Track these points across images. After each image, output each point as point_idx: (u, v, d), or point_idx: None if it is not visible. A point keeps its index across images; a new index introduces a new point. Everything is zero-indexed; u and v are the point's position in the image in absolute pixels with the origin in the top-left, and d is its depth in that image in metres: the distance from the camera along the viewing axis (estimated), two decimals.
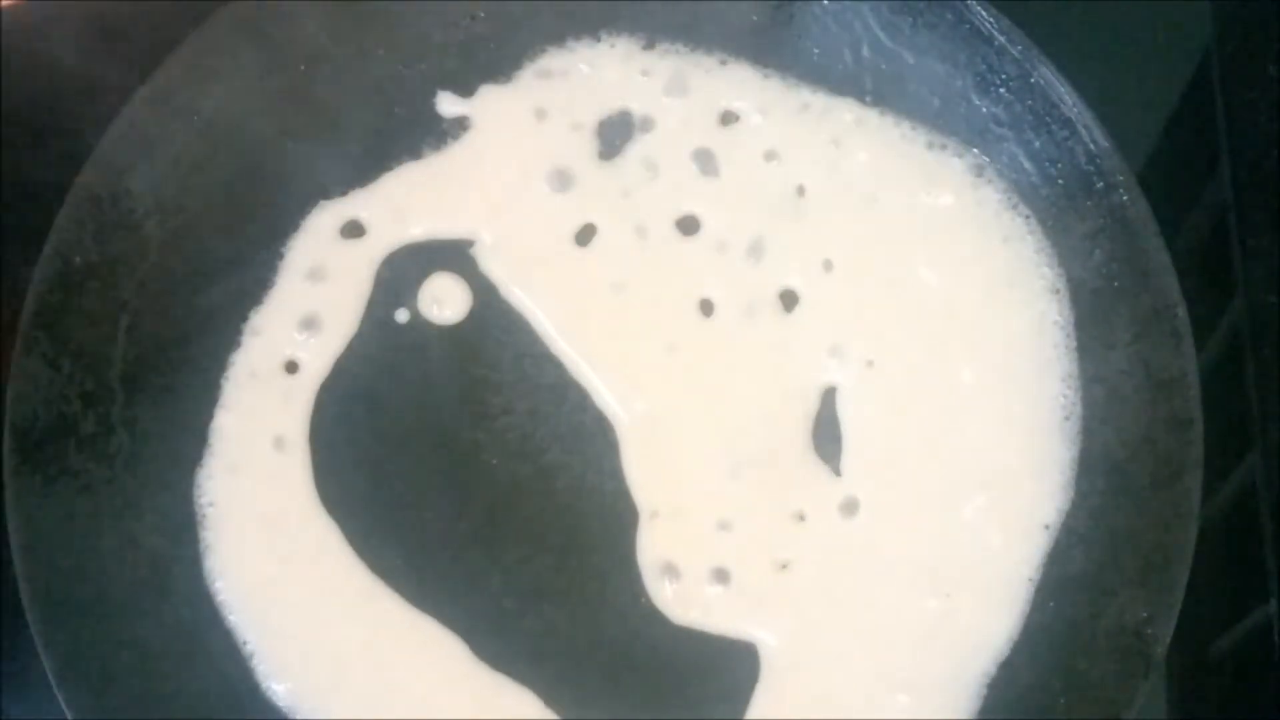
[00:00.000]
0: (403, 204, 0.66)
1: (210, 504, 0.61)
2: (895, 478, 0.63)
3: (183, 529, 0.61)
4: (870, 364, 0.64)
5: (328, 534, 0.61)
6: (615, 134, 0.67)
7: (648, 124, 0.67)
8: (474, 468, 0.63)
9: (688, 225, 0.66)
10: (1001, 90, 0.65)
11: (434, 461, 0.63)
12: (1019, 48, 0.64)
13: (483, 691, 0.59)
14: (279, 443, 0.62)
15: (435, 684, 0.60)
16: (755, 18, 0.67)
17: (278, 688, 0.60)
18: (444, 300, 0.65)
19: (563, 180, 0.66)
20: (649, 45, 0.68)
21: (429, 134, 0.67)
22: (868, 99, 0.67)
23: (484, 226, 0.65)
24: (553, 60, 0.68)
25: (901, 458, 0.63)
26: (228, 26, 0.64)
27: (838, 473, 0.63)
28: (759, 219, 0.65)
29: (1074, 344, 0.64)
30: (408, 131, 0.67)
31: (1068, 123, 0.64)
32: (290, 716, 0.59)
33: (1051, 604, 0.61)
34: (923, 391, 0.64)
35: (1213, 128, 0.69)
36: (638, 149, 0.66)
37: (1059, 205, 0.65)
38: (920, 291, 0.65)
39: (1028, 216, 0.65)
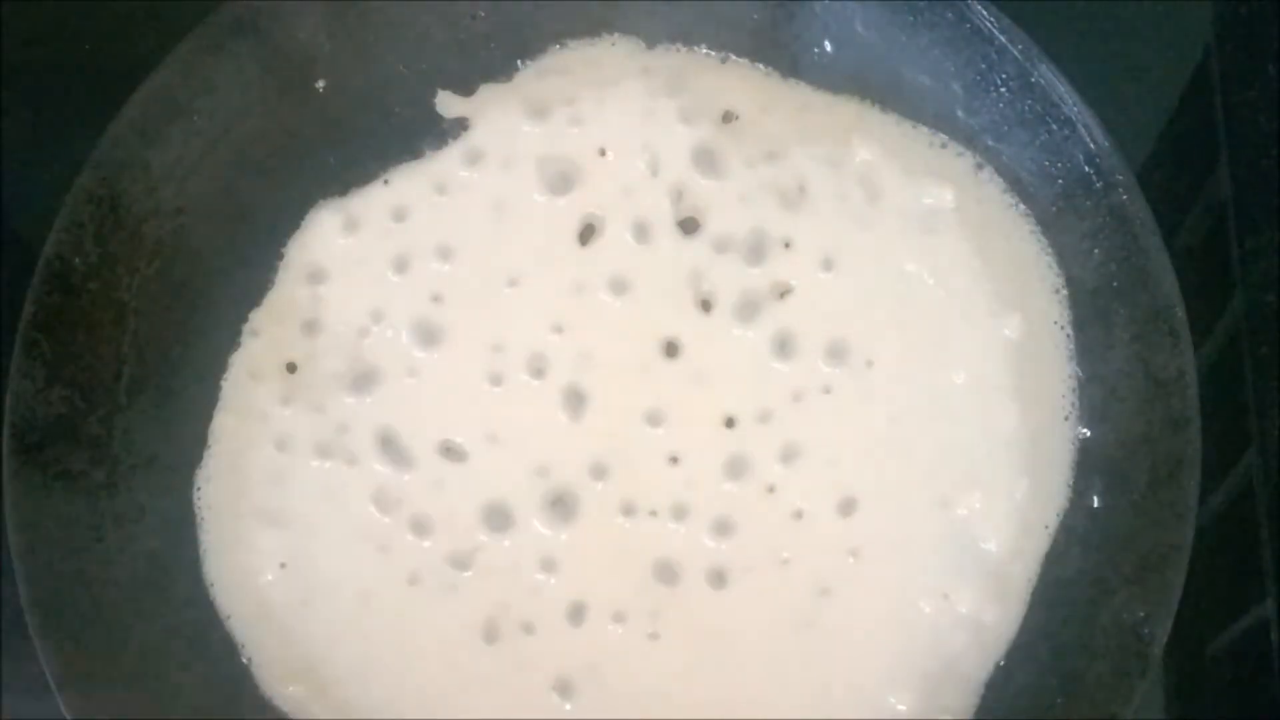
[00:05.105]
0: (403, 204, 0.66)
1: (209, 506, 0.62)
2: (893, 477, 0.63)
3: (182, 531, 0.61)
4: (870, 363, 0.64)
5: (327, 537, 0.62)
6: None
7: (648, 123, 0.67)
8: None
9: (688, 225, 0.66)
10: (1002, 89, 0.65)
11: None
12: (1019, 47, 0.64)
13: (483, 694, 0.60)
14: (279, 443, 0.63)
15: (434, 686, 0.60)
16: (755, 17, 0.67)
17: (276, 690, 0.60)
18: None
19: (563, 180, 0.66)
20: (649, 44, 0.68)
21: (429, 134, 0.67)
22: (868, 98, 0.67)
23: (484, 226, 0.65)
24: (553, 60, 0.68)
25: (900, 457, 0.63)
26: (227, 26, 0.64)
27: (837, 471, 0.63)
28: (759, 219, 0.65)
29: (1073, 344, 0.64)
30: (408, 131, 0.67)
31: (1068, 122, 0.64)
32: (289, 718, 0.60)
33: (1049, 604, 0.61)
34: (921, 391, 0.64)
35: (1212, 127, 0.69)
36: (638, 148, 0.66)
37: (1059, 205, 0.65)
38: (920, 291, 0.65)
39: (1027, 215, 0.65)
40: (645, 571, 0.62)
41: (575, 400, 0.64)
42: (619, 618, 0.61)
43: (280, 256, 0.65)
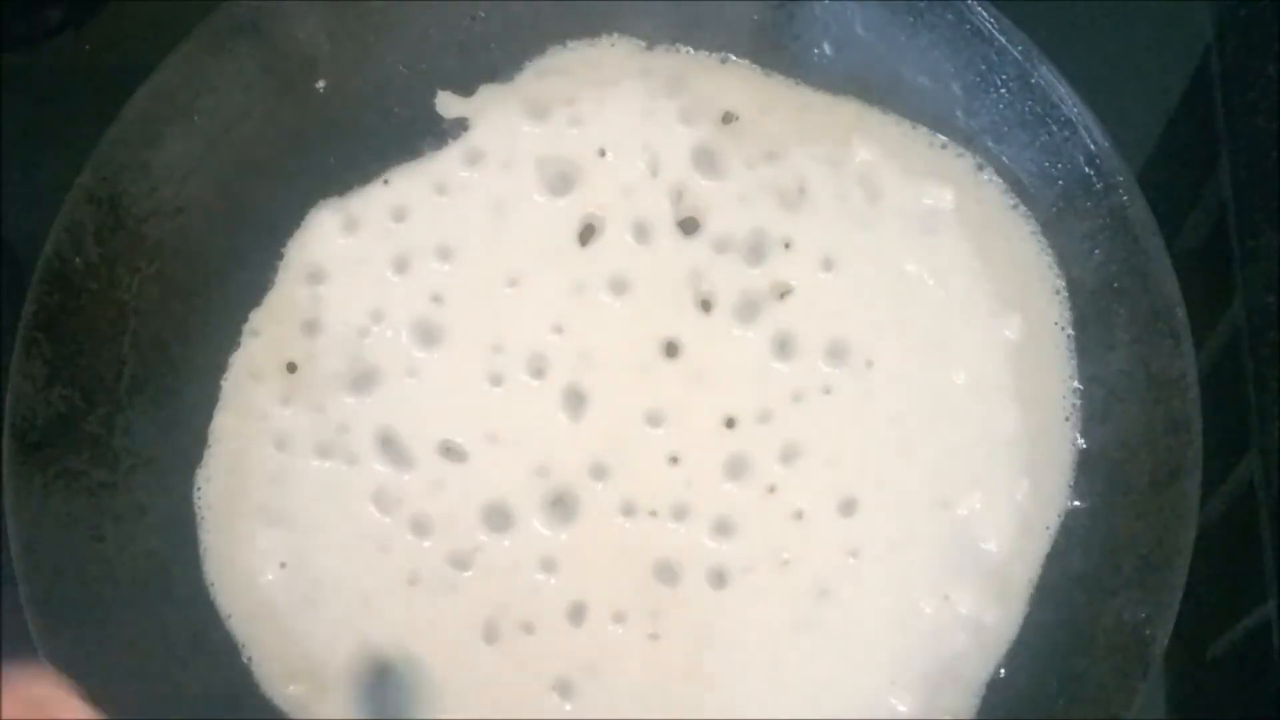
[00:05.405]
0: (403, 204, 0.66)
1: (209, 505, 0.62)
2: (894, 477, 0.63)
3: (182, 530, 0.61)
4: (870, 364, 0.64)
5: (327, 537, 0.62)
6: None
7: (648, 123, 0.67)
8: None
9: (688, 225, 0.66)
10: (1002, 90, 0.65)
11: None
12: (1019, 48, 0.64)
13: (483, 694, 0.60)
14: (279, 443, 0.63)
15: (434, 686, 0.60)
16: (755, 17, 0.67)
17: (276, 690, 0.60)
18: None
19: (563, 180, 0.66)
20: (649, 45, 0.68)
21: (429, 134, 0.67)
22: (868, 98, 0.67)
23: (484, 226, 0.65)
24: (553, 60, 0.68)
25: (900, 457, 0.63)
26: (227, 26, 0.64)
27: (837, 471, 0.63)
28: (759, 219, 0.65)
29: (1073, 344, 0.64)
30: (408, 131, 0.66)
31: (1068, 123, 0.64)
32: (289, 718, 0.60)
33: (1050, 604, 0.61)
34: (921, 391, 0.64)
35: (1213, 128, 0.69)
36: (638, 148, 0.66)
37: (1059, 205, 0.65)
38: (920, 291, 0.65)
39: (1028, 216, 0.65)
40: (645, 571, 0.62)
41: (575, 400, 0.63)
42: (619, 618, 0.61)
43: (280, 256, 0.65)
